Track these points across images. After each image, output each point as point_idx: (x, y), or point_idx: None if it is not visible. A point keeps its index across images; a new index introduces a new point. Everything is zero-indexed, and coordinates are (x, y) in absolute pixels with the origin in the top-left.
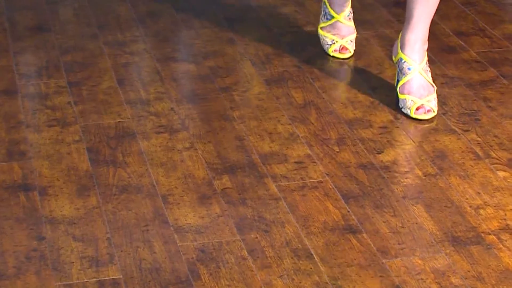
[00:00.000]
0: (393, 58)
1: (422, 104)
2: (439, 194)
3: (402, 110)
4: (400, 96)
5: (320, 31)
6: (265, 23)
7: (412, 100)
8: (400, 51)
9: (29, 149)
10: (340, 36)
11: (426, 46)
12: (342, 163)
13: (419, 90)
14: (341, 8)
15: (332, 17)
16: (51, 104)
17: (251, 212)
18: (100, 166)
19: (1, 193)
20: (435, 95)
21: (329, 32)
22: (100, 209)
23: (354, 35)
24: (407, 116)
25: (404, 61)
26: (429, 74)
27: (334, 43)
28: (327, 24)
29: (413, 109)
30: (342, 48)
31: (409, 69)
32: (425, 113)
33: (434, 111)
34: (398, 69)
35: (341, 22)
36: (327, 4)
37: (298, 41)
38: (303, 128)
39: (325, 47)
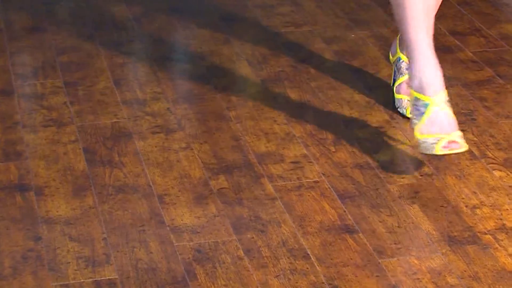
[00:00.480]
0: (390, 57)
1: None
2: (435, 194)
3: (398, 109)
4: (396, 96)
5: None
6: (261, 23)
7: (408, 100)
8: (399, 51)
9: (26, 149)
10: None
11: None
12: (339, 163)
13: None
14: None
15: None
16: (47, 104)
17: (247, 212)
18: (96, 166)
19: None
20: None
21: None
22: (96, 209)
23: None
24: (403, 116)
25: (403, 61)
26: None
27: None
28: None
29: (409, 109)
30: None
31: (406, 69)
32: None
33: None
34: (395, 69)
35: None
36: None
37: (294, 41)
38: (300, 128)
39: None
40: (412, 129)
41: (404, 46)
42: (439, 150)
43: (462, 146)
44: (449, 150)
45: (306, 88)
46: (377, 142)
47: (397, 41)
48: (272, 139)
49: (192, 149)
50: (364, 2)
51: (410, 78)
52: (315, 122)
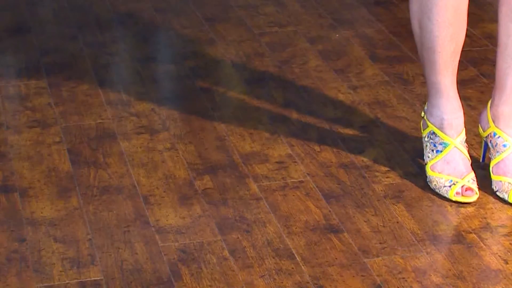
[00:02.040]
0: (481, 131)
1: None
2: (420, 193)
3: (497, 193)
4: (494, 178)
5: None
6: (246, 23)
7: (509, 183)
8: (492, 124)
9: (10, 150)
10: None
11: None
12: (323, 163)
13: None
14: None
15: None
16: (31, 105)
17: (232, 212)
18: (80, 167)
19: None
20: None
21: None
22: (81, 210)
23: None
24: (505, 202)
25: (499, 137)
26: None
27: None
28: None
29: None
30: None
31: (504, 145)
32: None
33: None
34: (489, 145)
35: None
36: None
37: (278, 41)
38: (284, 128)
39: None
40: (425, 163)
41: (427, 84)
42: (452, 196)
43: (474, 194)
44: (463, 197)
45: (290, 88)
46: (361, 141)
47: (488, 113)
48: (256, 139)
49: (176, 149)
50: (348, 1)
51: (429, 112)
52: (299, 122)
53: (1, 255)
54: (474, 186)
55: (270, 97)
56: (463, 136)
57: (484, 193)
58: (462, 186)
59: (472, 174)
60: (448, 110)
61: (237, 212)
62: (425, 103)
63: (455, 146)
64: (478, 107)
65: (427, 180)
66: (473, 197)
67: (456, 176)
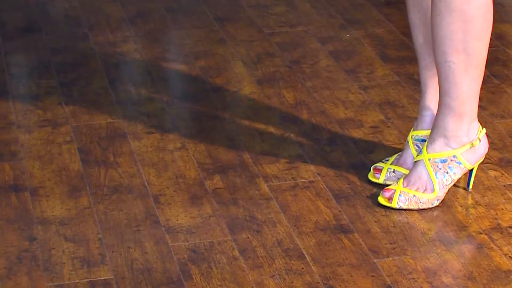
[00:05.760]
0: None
1: (390, 188)
2: None
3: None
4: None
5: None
6: (256, 23)
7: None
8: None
9: (20, 149)
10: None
11: (448, 142)
12: (334, 163)
13: (410, 176)
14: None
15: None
16: (42, 104)
17: (242, 212)
18: (91, 166)
19: None
20: (420, 196)
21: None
22: (91, 209)
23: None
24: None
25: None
26: (445, 176)
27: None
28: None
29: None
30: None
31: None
32: (385, 198)
33: (394, 204)
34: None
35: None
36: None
37: (289, 40)
38: (294, 128)
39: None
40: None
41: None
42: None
43: (375, 178)
44: (370, 174)
45: (301, 88)
46: (372, 142)
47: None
48: (267, 139)
49: (187, 149)
50: (358, 2)
51: None
52: (310, 122)
53: (11, 254)
54: (386, 174)
55: (280, 97)
56: (415, 133)
57: (494, 194)
58: (376, 167)
59: (399, 169)
60: (420, 104)
61: (247, 212)
62: None
63: (408, 138)
64: (488, 108)
65: None
66: (373, 178)
67: (392, 159)
